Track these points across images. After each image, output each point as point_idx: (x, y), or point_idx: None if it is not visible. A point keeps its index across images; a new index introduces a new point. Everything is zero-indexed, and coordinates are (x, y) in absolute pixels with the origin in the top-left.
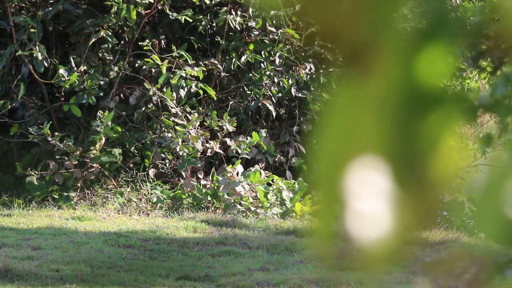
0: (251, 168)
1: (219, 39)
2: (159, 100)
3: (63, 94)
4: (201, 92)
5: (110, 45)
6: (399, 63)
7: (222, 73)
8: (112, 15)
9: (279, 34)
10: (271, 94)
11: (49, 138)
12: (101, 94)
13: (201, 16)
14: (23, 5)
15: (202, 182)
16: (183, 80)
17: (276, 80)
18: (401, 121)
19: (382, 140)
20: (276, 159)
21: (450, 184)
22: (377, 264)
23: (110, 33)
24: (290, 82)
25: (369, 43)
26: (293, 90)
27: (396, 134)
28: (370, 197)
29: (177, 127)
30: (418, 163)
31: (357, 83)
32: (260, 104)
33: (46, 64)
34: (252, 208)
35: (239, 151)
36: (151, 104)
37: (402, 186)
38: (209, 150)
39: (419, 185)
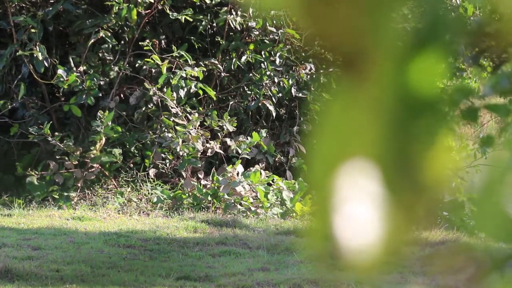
0: (251, 168)
1: (219, 39)
2: (159, 100)
3: (63, 94)
4: (200, 92)
5: (110, 45)
6: (394, 68)
7: (222, 73)
8: (113, 15)
9: (279, 34)
10: (271, 94)
11: (49, 138)
12: (101, 94)
13: (201, 16)
14: (23, 5)
15: (203, 182)
16: (183, 80)
17: (276, 80)
18: (397, 125)
19: (377, 144)
20: (276, 159)
21: (446, 187)
22: (369, 268)
23: (109, 34)
24: (290, 82)
25: (364, 48)
26: (293, 90)
27: (392, 138)
28: (363, 200)
29: (177, 127)
30: (413, 167)
31: (352, 87)
32: (260, 104)
33: (46, 64)
34: (253, 208)
35: (239, 151)
36: (151, 104)
37: (396, 190)
38: (209, 150)
39: (414, 189)
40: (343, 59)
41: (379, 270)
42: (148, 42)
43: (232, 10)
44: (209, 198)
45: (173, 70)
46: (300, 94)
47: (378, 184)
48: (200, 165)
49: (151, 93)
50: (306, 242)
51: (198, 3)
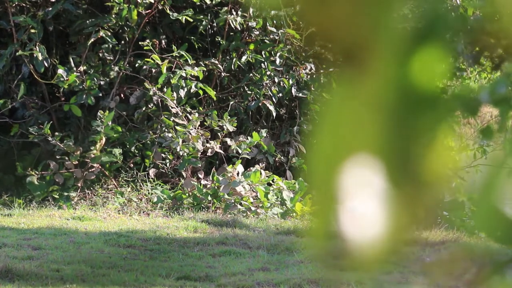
0: (251, 168)
1: (219, 39)
2: (159, 100)
3: (63, 94)
4: (201, 92)
5: (110, 45)
6: (395, 63)
7: (222, 73)
8: (113, 15)
9: (280, 34)
10: (271, 94)
11: (50, 138)
12: (101, 94)
13: (201, 16)
14: (24, 5)
15: (203, 182)
16: (183, 80)
17: (276, 80)
18: (397, 121)
19: (378, 140)
20: (277, 159)
21: (447, 184)
22: (373, 265)
23: (109, 33)
24: (290, 82)
25: (364, 43)
26: (293, 90)
27: (392, 133)
28: (366, 197)
29: (177, 127)
30: (413, 163)
31: (352, 83)
32: (260, 104)
33: (46, 64)
34: (253, 208)
35: (240, 151)
36: (152, 104)
37: (397, 185)
38: (209, 150)
39: (414, 185)
40: (344, 53)
41: (381, 268)
42: (148, 42)
43: (232, 10)
44: (209, 198)
45: (173, 70)
46: (300, 94)
47: (380, 180)
48: (200, 165)
49: (151, 93)
50: (307, 241)
51: (198, 3)
